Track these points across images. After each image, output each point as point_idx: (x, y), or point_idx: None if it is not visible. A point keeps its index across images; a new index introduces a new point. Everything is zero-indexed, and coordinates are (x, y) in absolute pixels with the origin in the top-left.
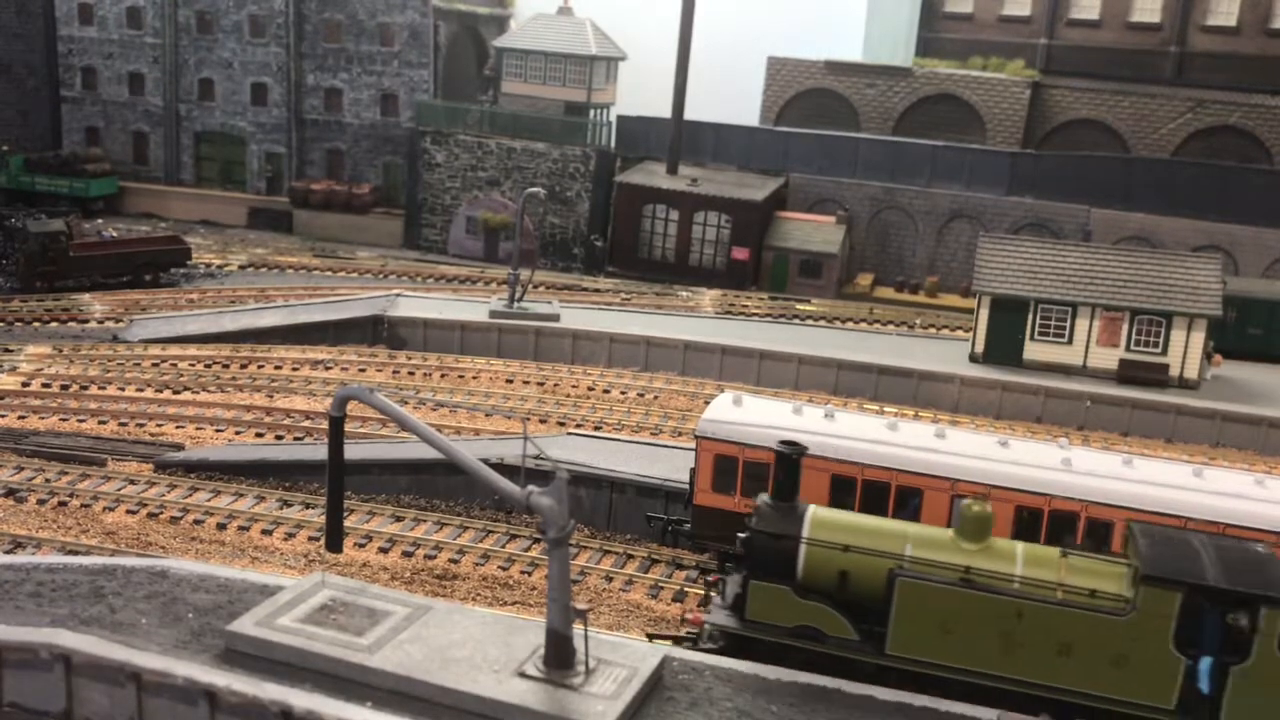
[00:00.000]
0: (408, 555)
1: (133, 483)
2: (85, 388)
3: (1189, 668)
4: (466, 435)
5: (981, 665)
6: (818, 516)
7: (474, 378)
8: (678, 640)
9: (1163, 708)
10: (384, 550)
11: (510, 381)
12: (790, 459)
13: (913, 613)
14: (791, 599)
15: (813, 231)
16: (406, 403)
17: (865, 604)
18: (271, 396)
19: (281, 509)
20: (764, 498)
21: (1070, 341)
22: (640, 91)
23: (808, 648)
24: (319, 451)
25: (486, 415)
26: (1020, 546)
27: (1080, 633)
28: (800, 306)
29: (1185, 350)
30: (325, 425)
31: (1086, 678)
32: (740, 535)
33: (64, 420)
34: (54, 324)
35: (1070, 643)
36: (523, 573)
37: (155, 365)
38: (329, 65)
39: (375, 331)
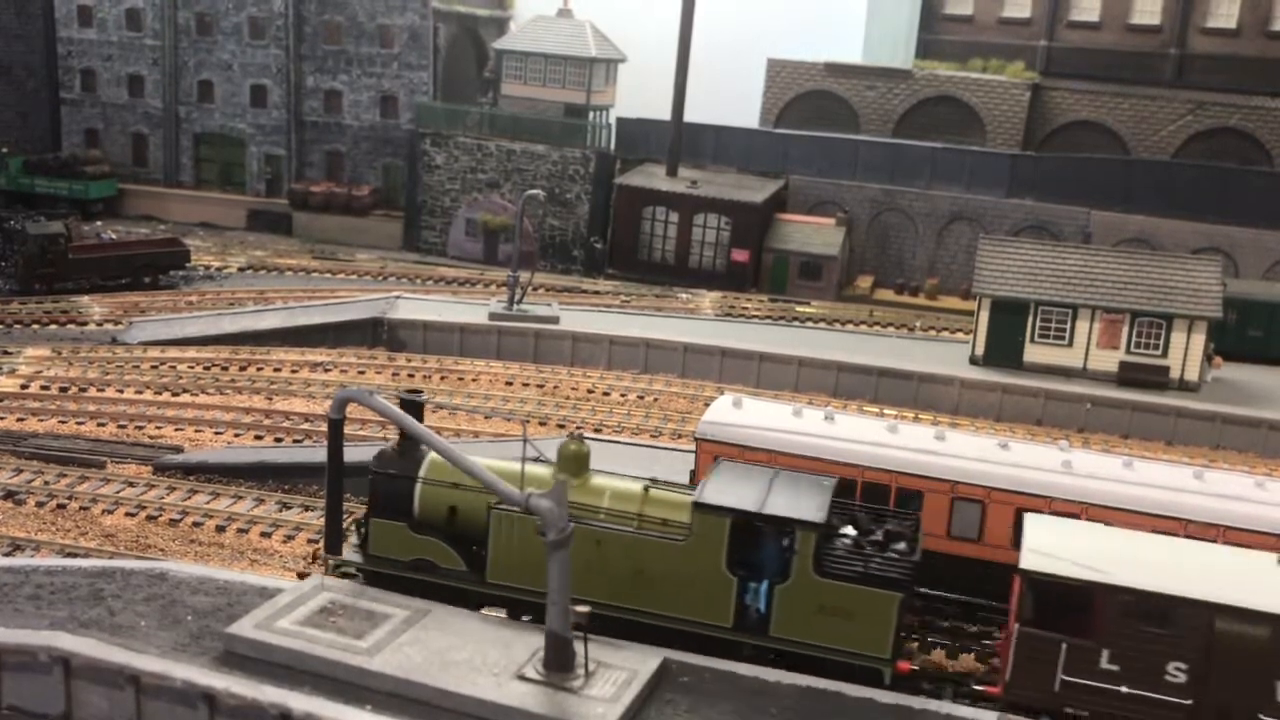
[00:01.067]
0: None
1: (132, 485)
2: (84, 390)
3: (745, 588)
4: (466, 437)
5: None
6: (435, 460)
7: (473, 380)
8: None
9: (721, 625)
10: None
11: (510, 384)
12: (414, 404)
13: (507, 543)
14: (407, 534)
15: (813, 233)
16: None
17: (472, 537)
18: (271, 399)
19: (280, 511)
20: (389, 444)
21: (1070, 344)
22: (640, 93)
23: (420, 578)
24: (318, 454)
25: (486, 417)
26: (612, 482)
27: (649, 558)
28: (800, 308)
29: (1185, 352)
30: (324, 427)
31: (658, 600)
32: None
33: (63, 422)
34: (53, 326)
35: (642, 568)
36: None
37: (154, 367)
38: (329, 67)
39: (375, 333)
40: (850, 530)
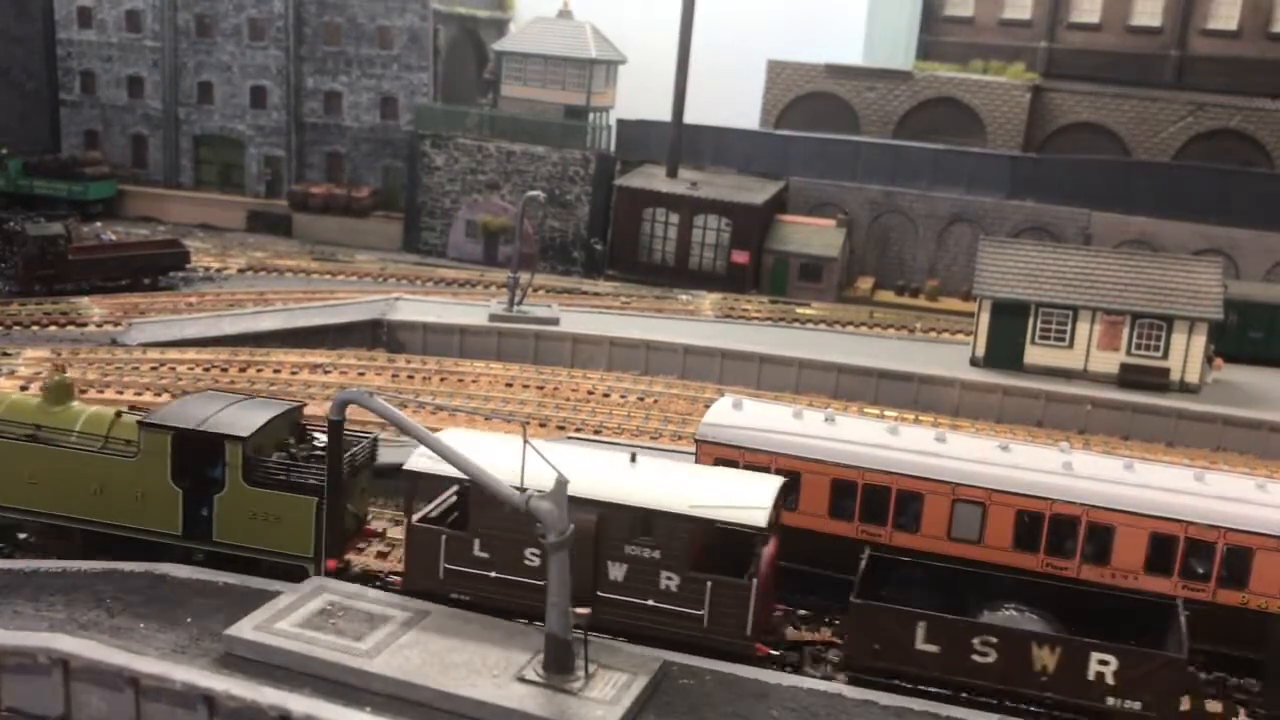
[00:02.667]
0: None
1: None
2: (84, 391)
3: (192, 499)
4: None
5: (56, 508)
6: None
7: (473, 381)
8: None
9: (172, 533)
10: (383, 554)
11: (510, 385)
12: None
13: (4, 466)
14: None
15: (813, 235)
16: (406, 406)
17: None
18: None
19: None
20: None
21: (1071, 345)
22: (640, 95)
23: None
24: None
25: (486, 419)
26: (89, 409)
27: (110, 475)
28: (800, 310)
29: (1186, 354)
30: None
31: (118, 512)
32: None
33: None
34: (52, 327)
35: (105, 484)
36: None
37: (154, 369)
38: (328, 68)
39: (374, 335)
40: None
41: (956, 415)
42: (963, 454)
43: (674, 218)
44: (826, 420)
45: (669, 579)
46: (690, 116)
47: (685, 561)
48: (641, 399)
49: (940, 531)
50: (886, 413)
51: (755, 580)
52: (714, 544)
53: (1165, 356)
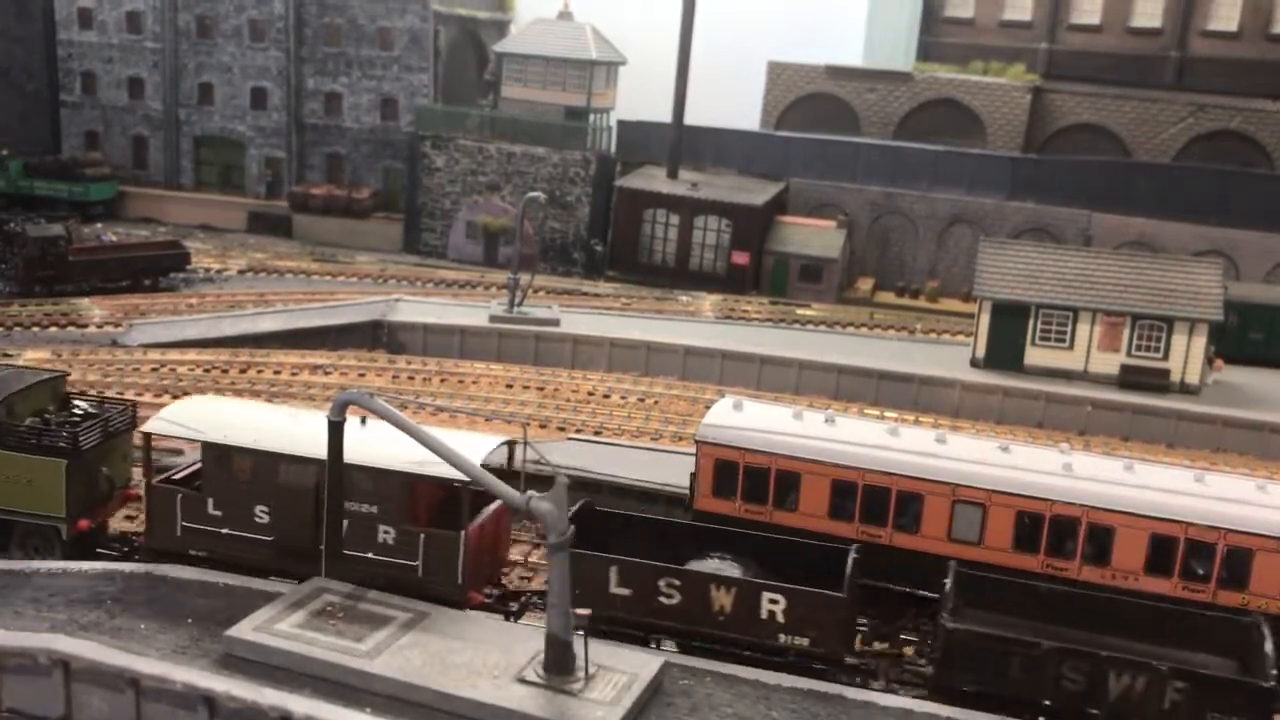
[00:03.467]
0: None
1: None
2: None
3: None
4: None
5: None
6: None
7: (474, 382)
8: None
9: None
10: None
11: (510, 386)
12: None
13: None
14: None
15: (813, 236)
16: (406, 407)
17: None
18: (271, 401)
19: None
20: None
21: (1071, 346)
22: (640, 96)
23: None
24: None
25: (486, 420)
26: None
27: None
28: (800, 311)
29: (1186, 355)
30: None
31: None
32: None
33: None
34: (53, 328)
35: None
36: (522, 578)
37: (154, 370)
38: (329, 69)
39: (375, 336)
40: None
41: (957, 416)
42: (963, 455)
43: (674, 219)
44: (827, 421)
45: (386, 533)
46: (690, 118)
47: (400, 516)
48: (642, 400)
49: (940, 532)
50: (887, 414)
51: (466, 533)
52: (443, 500)
53: (1165, 358)
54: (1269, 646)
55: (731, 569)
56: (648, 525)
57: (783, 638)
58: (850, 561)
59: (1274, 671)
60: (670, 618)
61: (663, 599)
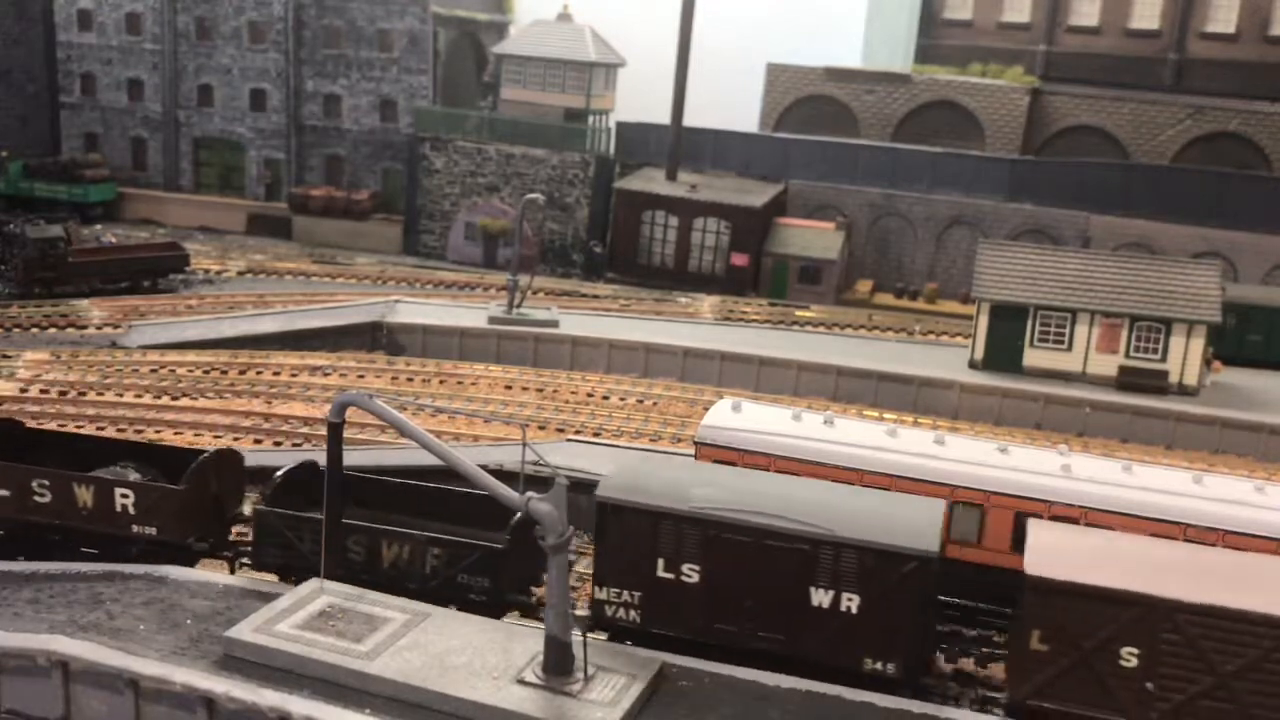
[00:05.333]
0: None
1: None
2: (83, 394)
3: None
4: (465, 442)
5: None
6: None
7: (473, 384)
8: None
9: None
10: None
11: (509, 388)
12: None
13: None
14: None
15: (812, 238)
16: (405, 409)
17: None
18: (270, 402)
19: None
20: None
21: (1070, 348)
22: (639, 97)
23: None
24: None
25: (486, 421)
26: None
27: None
28: (799, 313)
29: (1185, 357)
30: (324, 431)
31: None
32: None
33: (62, 426)
34: (52, 330)
35: None
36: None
37: (153, 371)
38: (328, 71)
39: (374, 337)
40: None
41: (955, 418)
42: (961, 456)
43: (673, 220)
44: (825, 423)
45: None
46: (690, 119)
47: None
48: (641, 401)
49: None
50: (885, 415)
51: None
52: None
53: (1164, 359)
54: (514, 520)
55: (128, 473)
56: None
57: (135, 528)
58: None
59: (508, 537)
60: (42, 514)
61: (37, 498)
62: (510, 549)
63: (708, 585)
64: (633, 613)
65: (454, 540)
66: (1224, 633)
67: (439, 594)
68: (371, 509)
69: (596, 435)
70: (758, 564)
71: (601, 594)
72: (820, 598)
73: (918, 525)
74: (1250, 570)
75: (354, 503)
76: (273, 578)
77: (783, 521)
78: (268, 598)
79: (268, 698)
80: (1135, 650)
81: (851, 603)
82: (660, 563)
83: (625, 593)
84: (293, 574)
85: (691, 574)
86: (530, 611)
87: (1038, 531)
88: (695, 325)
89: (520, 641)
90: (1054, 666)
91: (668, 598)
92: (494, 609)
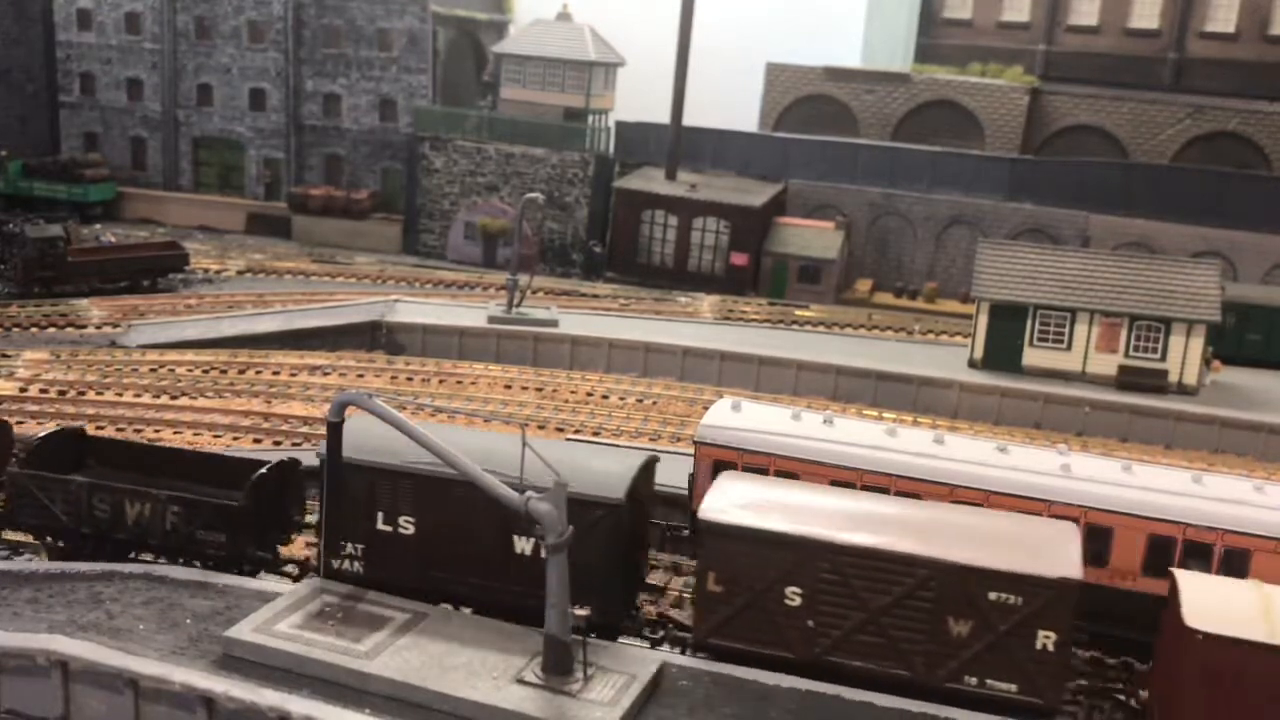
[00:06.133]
0: None
1: None
2: (83, 393)
3: None
4: None
5: None
6: None
7: (472, 383)
8: None
9: None
10: None
11: (509, 387)
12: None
13: None
14: None
15: (812, 237)
16: (405, 408)
17: None
18: (269, 402)
19: None
20: None
21: (1069, 347)
22: (639, 97)
23: None
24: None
25: (485, 421)
26: None
27: None
28: (799, 312)
29: (1184, 356)
30: (323, 430)
31: None
32: None
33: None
34: (51, 329)
35: None
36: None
37: (153, 370)
38: (328, 71)
39: (374, 337)
40: None
41: (955, 417)
42: (961, 456)
43: (673, 220)
44: (825, 422)
45: None
46: (689, 119)
47: None
48: (640, 401)
49: None
50: (885, 415)
51: None
52: None
53: (1163, 359)
54: (251, 480)
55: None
56: None
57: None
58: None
59: (242, 495)
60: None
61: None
62: (246, 506)
63: (422, 536)
64: (357, 564)
65: (191, 498)
66: (872, 572)
67: (178, 550)
68: (126, 471)
69: (596, 435)
70: (465, 515)
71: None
72: (522, 545)
73: (608, 476)
74: (923, 519)
75: (110, 465)
76: (278, 579)
77: (484, 474)
78: (266, 597)
79: (267, 697)
80: (799, 590)
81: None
82: (380, 516)
83: (350, 545)
84: (48, 534)
85: (408, 526)
86: (272, 568)
87: (720, 481)
88: (695, 325)
89: (520, 641)
90: (729, 606)
91: (388, 549)
92: (232, 565)
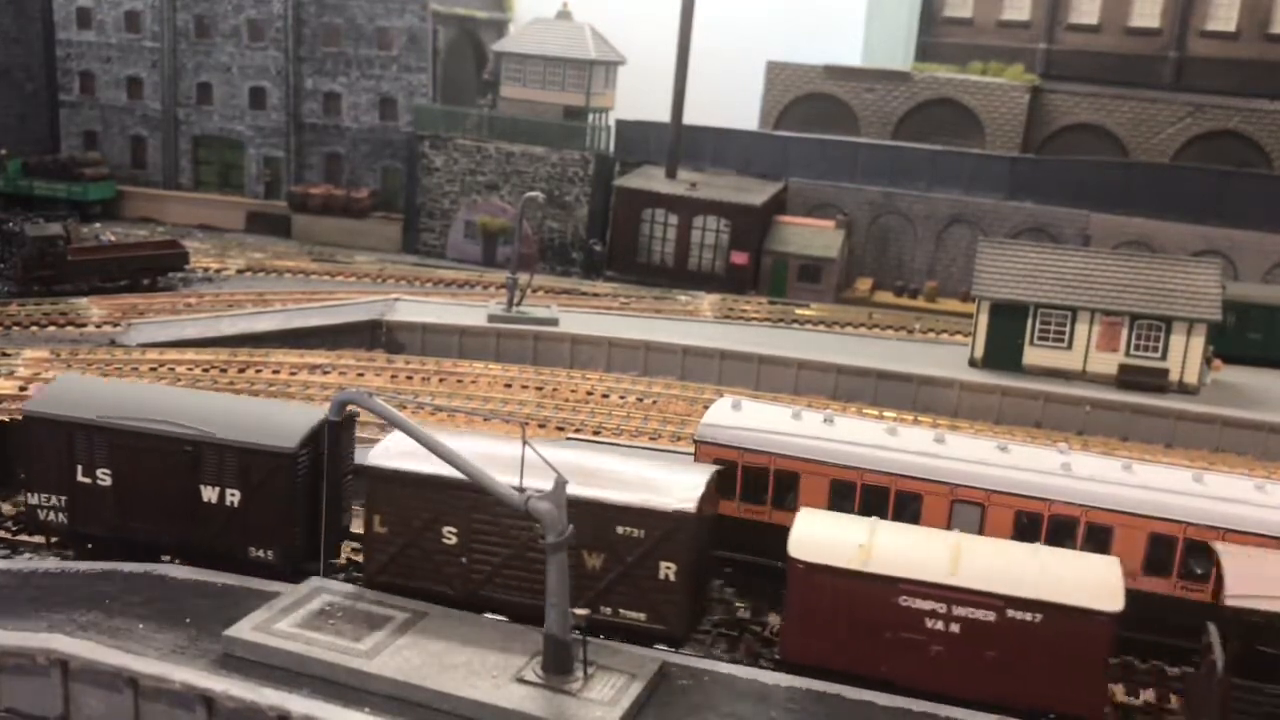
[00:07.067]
0: None
1: None
2: None
3: None
4: None
5: None
6: None
7: (472, 382)
8: None
9: None
10: None
11: (509, 386)
12: None
13: None
14: None
15: (812, 236)
16: (405, 407)
17: None
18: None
19: None
20: None
21: (1070, 346)
22: (639, 96)
23: None
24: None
25: (485, 420)
26: None
27: None
28: (799, 311)
29: (1185, 355)
30: None
31: None
32: None
33: None
34: (51, 328)
35: None
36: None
37: (153, 369)
38: (327, 69)
39: (373, 336)
40: None
41: (955, 416)
42: (961, 455)
43: (673, 219)
44: (825, 421)
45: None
46: (689, 117)
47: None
48: (641, 400)
49: None
50: (885, 414)
51: None
52: None
53: (1164, 358)
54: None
55: None
56: None
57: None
58: None
59: None
60: None
61: None
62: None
63: (118, 487)
64: (61, 515)
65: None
66: (516, 512)
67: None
68: None
69: (596, 434)
70: (155, 466)
71: (34, 499)
72: (209, 494)
73: (285, 426)
74: (564, 460)
75: None
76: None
77: (170, 426)
78: (266, 597)
79: (267, 696)
80: (454, 529)
81: (234, 497)
82: (79, 469)
83: (53, 497)
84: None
85: (105, 478)
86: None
87: (386, 440)
88: (695, 324)
89: (520, 640)
90: (394, 546)
91: (89, 500)
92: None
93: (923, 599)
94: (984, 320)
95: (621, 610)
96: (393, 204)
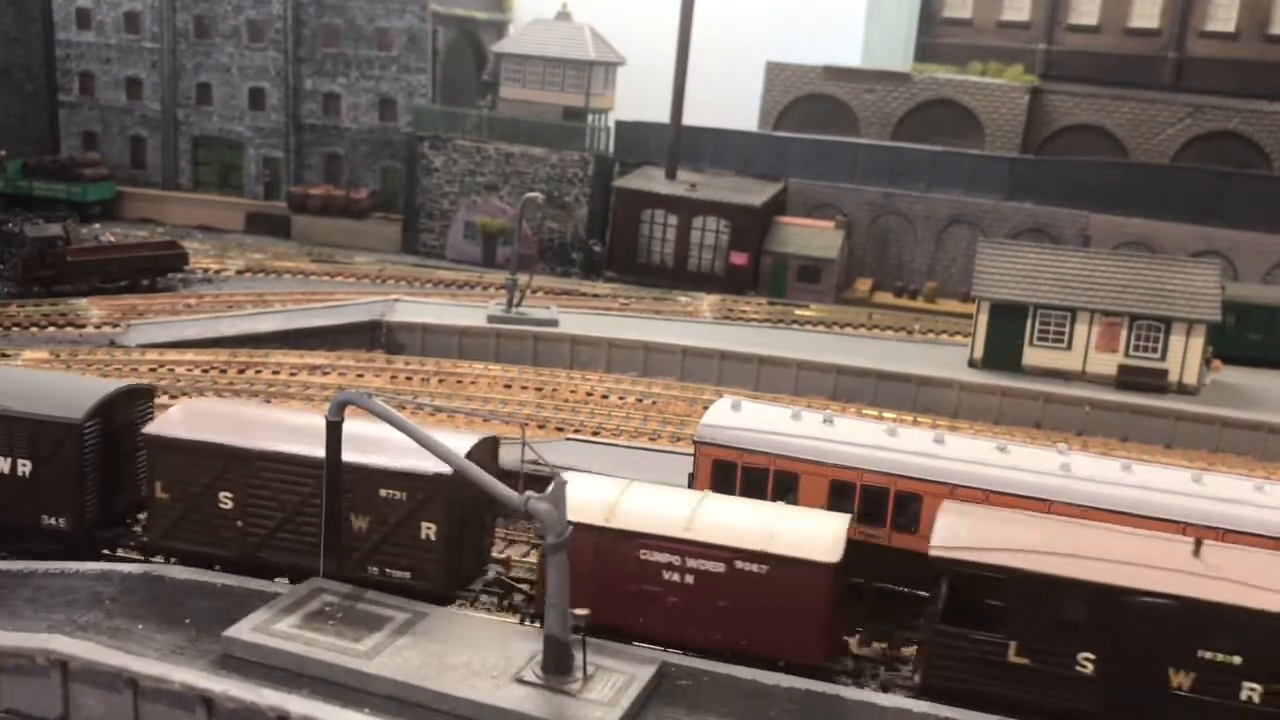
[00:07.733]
0: None
1: None
2: None
3: None
4: None
5: None
6: None
7: (472, 383)
8: None
9: None
10: None
11: (509, 387)
12: None
13: None
14: None
15: (812, 237)
16: (404, 407)
17: None
18: (269, 401)
19: None
20: None
21: (1069, 347)
22: (639, 96)
23: None
24: None
25: (485, 420)
26: None
27: None
28: (799, 312)
29: (1184, 355)
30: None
31: None
32: None
33: None
34: (51, 329)
35: None
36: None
37: (152, 370)
38: (327, 70)
39: (373, 336)
40: None
41: (955, 417)
42: (961, 455)
43: (673, 219)
44: (825, 421)
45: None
46: (689, 118)
47: None
48: (640, 400)
49: None
50: (885, 414)
51: None
52: None
53: (1163, 358)
54: None
55: None
56: None
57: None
58: None
59: None
60: None
61: None
62: None
63: None
64: None
65: None
66: (285, 475)
67: None
68: None
69: (596, 434)
70: None
71: None
72: (2, 464)
73: (73, 398)
74: (362, 434)
75: None
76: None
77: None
78: (266, 597)
79: (266, 697)
80: (230, 494)
81: (25, 468)
82: None
83: None
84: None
85: None
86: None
87: (170, 410)
88: (695, 324)
89: (519, 640)
90: (175, 511)
91: None
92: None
93: (660, 552)
94: (983, 321)
95: (388, 569)
96: (392, 205)
